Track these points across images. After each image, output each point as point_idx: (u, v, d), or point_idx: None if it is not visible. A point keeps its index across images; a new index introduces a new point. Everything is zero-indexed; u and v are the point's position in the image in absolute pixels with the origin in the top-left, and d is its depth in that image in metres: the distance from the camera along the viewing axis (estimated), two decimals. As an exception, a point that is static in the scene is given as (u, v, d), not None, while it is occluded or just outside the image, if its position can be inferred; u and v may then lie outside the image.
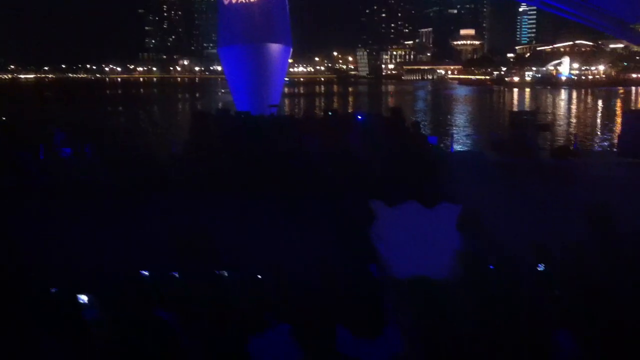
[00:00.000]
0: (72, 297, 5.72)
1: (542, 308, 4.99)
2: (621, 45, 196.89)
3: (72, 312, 5.43)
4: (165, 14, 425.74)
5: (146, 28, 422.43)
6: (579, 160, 21.53)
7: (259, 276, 6.49)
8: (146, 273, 6.93)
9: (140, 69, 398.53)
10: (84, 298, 5.97)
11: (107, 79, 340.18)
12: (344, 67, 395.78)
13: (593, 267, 7.02)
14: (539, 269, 6.95)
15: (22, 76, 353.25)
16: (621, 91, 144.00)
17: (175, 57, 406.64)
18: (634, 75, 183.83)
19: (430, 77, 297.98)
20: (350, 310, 4.87)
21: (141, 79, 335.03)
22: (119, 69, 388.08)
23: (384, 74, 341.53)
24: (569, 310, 4.78)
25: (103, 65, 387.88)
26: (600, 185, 17.36)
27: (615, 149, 28.43)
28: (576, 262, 7.03)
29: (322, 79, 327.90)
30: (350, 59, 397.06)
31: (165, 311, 5.50)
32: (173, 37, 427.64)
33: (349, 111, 71.93)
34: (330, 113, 22.77)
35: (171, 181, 17.16)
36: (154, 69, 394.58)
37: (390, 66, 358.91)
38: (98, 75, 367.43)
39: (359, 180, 14.21)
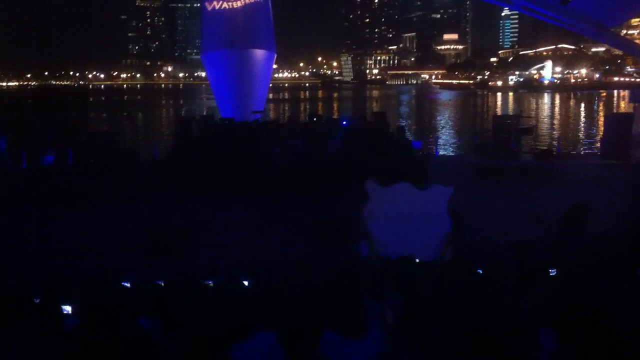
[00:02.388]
0: (55, 306, 5.68)
1: (524, 307, 5.02)
2: (602, 49, 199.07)
3: (54, 322, 5.39)
4: (148, 20, 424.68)
5: (129, 34, 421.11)
6: (562, 162, 21.72)
7: (243, 282, 6.49)
8: (127, 284, 6.91)
9: (123, 75, 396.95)
10: (67, 308, 5.92)
11: (90, 85, 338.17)
12: (328, 72, 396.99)
13: (569, 264, 7.10)
14: (517, 266, 7.00)
15: (3, 84, 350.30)
16: (603, 94, 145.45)
17: (158, 63, 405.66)
18: (616, 79, 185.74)
19: (414, 81, 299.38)
20: (334, 309, 4.86)
21: (125, 86, 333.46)
22: (102, 75, 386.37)
23: (368, 78, 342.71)
24: (549, 308, 4.81)
25: (86, 72, 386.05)
26: (581, 187, 17.55)
27: (597, 152, 28.72)
28: (552, 260, 7.10)
29: (307, 84, 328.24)
30: (335, 64, 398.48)
31: (148, 319, 5.47)
32: (156, 43, 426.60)
33: (334, 116, 72.10)
34: (314, 118, 22.81)
35: (153, 186, 17.16)
36: (138, 75, 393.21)
37: (375, 71, 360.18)
38: (81, 82, 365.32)
39: (342, 185, 14.24)
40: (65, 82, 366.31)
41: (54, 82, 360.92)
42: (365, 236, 9.23)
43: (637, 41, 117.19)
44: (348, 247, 9.69)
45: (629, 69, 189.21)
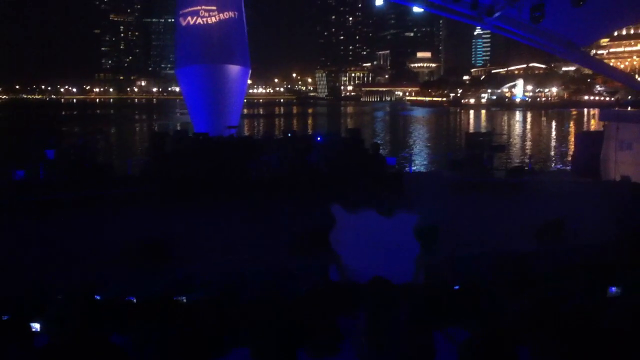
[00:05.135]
0: (24, 324, 5.55)
1: (499, 318, 5.04)
2: (573, 68, 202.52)
3: (23, 340, 5.26)
4: (122, 35, 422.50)
5: (102, 49, 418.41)
6: (534, 179, 21.97)
7: (217, 298, 6.43)
8: (98, 297, 6.79)
9: (96, 89, 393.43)
10: (35, 325, 5.79)
11: (62, 100, 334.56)
12: (303, 88, 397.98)
13: (537, 276, 7.16)
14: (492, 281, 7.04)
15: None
16: (574, 112, 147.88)
17: (132, 77, 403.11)
18: (586, 97, 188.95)
19: (388, 98, 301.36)
20: (307, 329, 4.83)
21: (97, 100, 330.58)
22: (74, 89, 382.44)
23: (343, 95, 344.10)
24: (522, 319, 4.84)
25: (58, 86, 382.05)
26: (552, 203, 17.76)
27: (568, 168, 29.15)
28: (520, 272, 7.15)
29: (282, 100, 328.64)
30: (310, 80, 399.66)
31: (120, 336, 5.38)
32: (130, 57, 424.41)
33: (309, 132, 72.22)
34: (289, 134, 22.82)
35: (126, 201, 16.99)
36: (111, 89, 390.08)
37: (349, 87, 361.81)
38: (53, 96, 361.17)
39: (315, 200, 14.19)
40: (37, 96, 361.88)
41: (25, 96, 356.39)
42: (335, 260, 9.21)
43: (606, 61, 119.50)
44: (323, 262, 9.66)
45: (598, 87, 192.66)
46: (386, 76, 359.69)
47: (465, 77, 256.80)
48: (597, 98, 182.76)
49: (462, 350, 3.65)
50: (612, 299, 5.93)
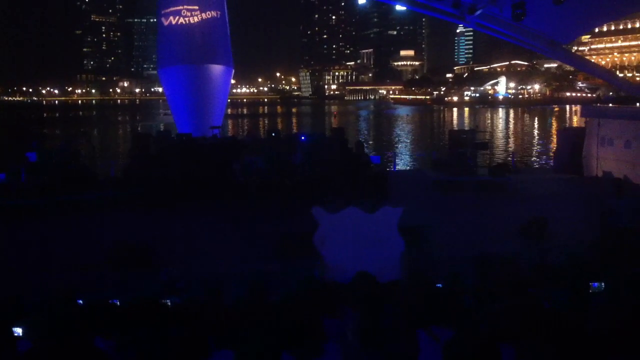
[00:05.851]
0: (5, 328, 5.49)
1: (482, 319, 5.05)
2: (555, 65, 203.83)
3: (5, 345, 5.21)
4: (104, 35, 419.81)
5: (84, 49, 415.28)
6: (517, 177, 22.11)
7: (201, 301, 6.39)
8: (80, 302, 6.73)
9: (78, 91, 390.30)
10: (17, 330, 5.73)
11: (44, 101, 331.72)
12: (287, 87, 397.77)
13: (527, 277, 7.20)
14: (476, 280, 7.06)
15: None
16: (556, 109, 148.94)
17: (114, 78, 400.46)
18: (568, 94, 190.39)
19: (372, 97, 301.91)
20: (292, 330, 4.82)
21: (80, 101, 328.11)
22: (56, 91, 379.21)
23: (327, 94, 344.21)
24: (509, 321, 4.85)
25: (40, 88, 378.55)
26: (535, 201, 17.90)
27: (551, 165, 29.34)
28: (510, 273, 7.18)
29: (265, 100, 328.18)
30: (293, 79, 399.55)
31: (103, 339, 5.34)
32: (112, 58, 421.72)
33: (293, 132, 72.18)
34: (273, 134, 22.77)
35: (110, 204, 16.89)
36: (93, 90, 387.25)
37: (333, 86, 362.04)
38: (34, 98, 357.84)
39: (301, 201, 14.20)
40: (18, 98, 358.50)
41: (6, 98, 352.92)
42: (320, 262, 9.21)
43: (587, 57, 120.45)
44: (308, 263, 9.65)
45: (580, 84, 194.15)
46: (370, 75, 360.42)
47: (449, 75, 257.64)
48: (578, 95, 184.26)
49: (446, 349, 3.65)
50: (595, 299, 5.96)
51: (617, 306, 4.83)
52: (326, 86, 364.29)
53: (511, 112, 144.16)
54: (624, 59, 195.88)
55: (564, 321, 4.55)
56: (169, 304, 6.70)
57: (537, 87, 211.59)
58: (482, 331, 4.11)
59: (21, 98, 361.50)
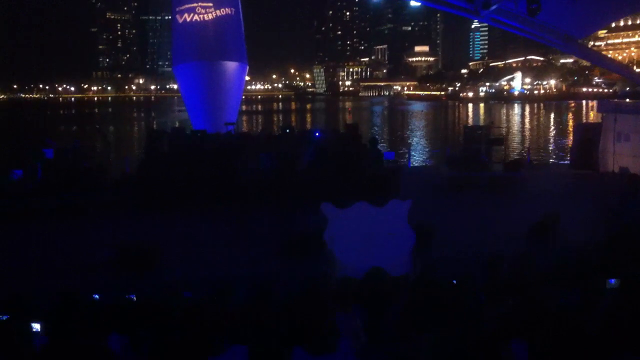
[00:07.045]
0: (23, 324, 5.55)
1: (493, 316, 5.04)
2: (571, 60, 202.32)
3: (23, 340, 5.27)
4: (119, 33, 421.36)
5: (100, 47, 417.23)
6: (532, 173, 21.97)
7: (213, 299, 6.42)
8: (96, 297, 6.80)
9: (94, 88, 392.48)
10: (35, 326, 5.79)
11: (60, 98, 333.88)
12: (301, 84, 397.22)
13: (537, 274, 7.15)
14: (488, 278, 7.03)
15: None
16: (572, 105, 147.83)
17: (130, 75, 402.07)
18: (584, 89, 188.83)
19: (386, 93, 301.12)
20: (303, 326, 4.83)
21: (95, 98, 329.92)
22: (72, 88, 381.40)
23: (341, 90, 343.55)
24: (520, 319, 4.84)
25: (56, 85, 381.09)
26: (550, 197, 17.76)
27: (567, 161, 29.13)
28: (520, 270, 7.14)
29: (280, 96, 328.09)
30: (307, 76, 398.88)
31: (118, 335, 5.39)
32: (127, 55, 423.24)
33: (307, 128, 72.08)
34: (287, 130, 22.79)
35: (123, 203, 16.93)
36: (109, 87, 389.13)
37: (347, 83, 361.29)
38: (51, 95, 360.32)
39: (314, 196, 14.21)
40: (35, 95, 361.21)
41: (23, 96, 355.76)
42: (331, 259, 9.20)
43: (604, 52, 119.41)
44: (317, 262, 9.64)
45: (596, 79, 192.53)
46: (384, 71, 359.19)
47: (464, 71, 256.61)
48: (595, 90, 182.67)
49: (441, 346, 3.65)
50: (603, 297, 5.92)
51: (626, 306, 4.80)
52: (340, 82, 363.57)
53: (527, 107, 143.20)
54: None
55: (571, 320, 4.52)
56: (181, 301, 6.73)
57: (552, 82, 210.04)
58: (486, 329, 4.10)
59: (38, 95, 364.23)
